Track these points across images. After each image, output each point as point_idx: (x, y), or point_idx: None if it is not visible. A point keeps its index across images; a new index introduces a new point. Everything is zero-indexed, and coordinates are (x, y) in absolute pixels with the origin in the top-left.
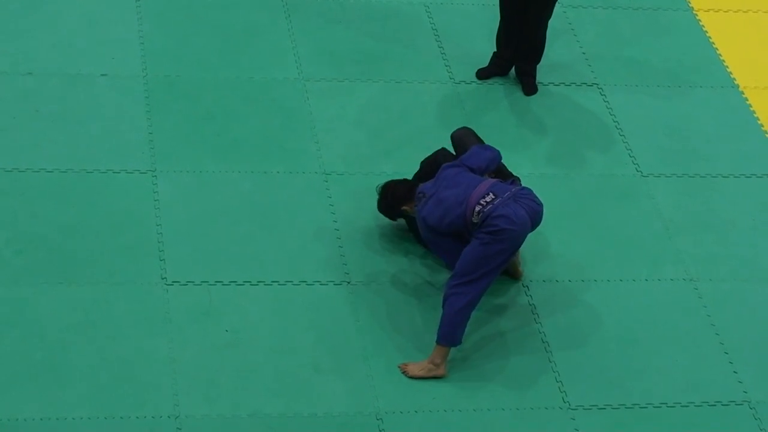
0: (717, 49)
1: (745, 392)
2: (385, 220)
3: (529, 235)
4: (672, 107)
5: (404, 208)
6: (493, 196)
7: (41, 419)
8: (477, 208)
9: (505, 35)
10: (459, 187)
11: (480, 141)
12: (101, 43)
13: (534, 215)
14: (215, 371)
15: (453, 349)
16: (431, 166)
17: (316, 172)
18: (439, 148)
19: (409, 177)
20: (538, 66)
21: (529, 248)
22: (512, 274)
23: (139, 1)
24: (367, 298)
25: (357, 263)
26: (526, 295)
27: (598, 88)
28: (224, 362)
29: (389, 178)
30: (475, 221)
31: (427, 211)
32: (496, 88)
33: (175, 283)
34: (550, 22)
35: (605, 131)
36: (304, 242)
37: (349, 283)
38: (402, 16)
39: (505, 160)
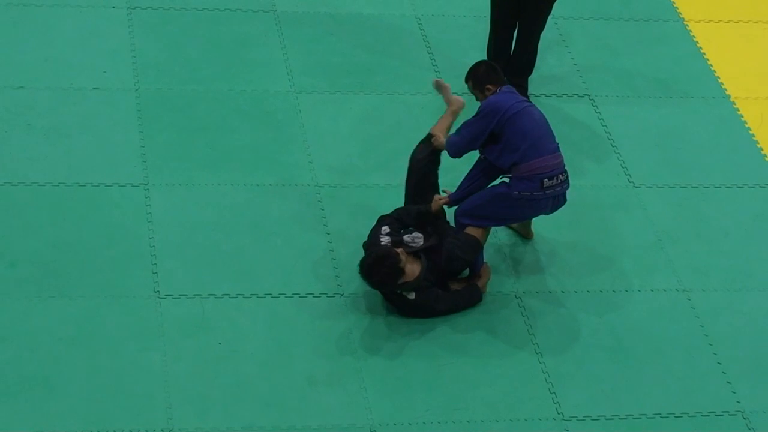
0: (708, 59)
1: (739, 402)
2: None
3: (522, 245)
4: (664, 118)
5: (488, 86)
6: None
7: None
8: (561, 177)
9: (496, 47)
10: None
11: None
12: (93, 56)
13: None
14: (209, 384)
15: (444, 360)
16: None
17: (308, 185)
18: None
19: (402, 189)
20: (529, 78)
21: (521, 259)
22: (524, 234)
23: (130, 15)
24: (360, 310)
25: (350, 275)
26: (519, 306)
27: (590, 100)
28: (218, 375)
29: (382, 190)
30: (547, 185)
31: (513, 96)
32: None
33: (168, 296)
34: (542, 34)
35: (597, 142)
36: (297, 254)
37: (342, 295)
38: (394, 29)
39: None
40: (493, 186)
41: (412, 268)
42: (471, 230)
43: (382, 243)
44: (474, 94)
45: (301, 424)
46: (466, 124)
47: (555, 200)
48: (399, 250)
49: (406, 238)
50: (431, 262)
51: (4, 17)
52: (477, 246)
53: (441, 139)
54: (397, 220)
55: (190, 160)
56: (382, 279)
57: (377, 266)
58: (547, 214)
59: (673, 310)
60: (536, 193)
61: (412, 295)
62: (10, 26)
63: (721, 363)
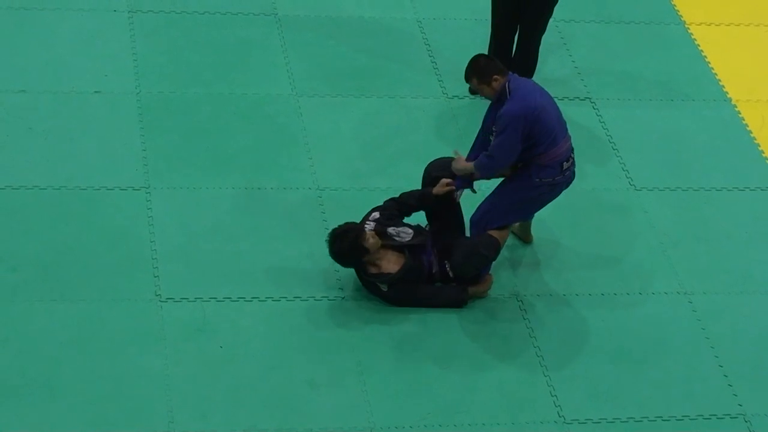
0: (709, 62)
1: (740, 405)
2: None
3: (523, 248)
4: (665, 121)
5: (495, 76)
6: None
7: None
8: (572, 155)
9: (497, 50)
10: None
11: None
12: (94, 60)
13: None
14: (210, 387)
15: (446, 363)
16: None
17: (309, 188)
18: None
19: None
20: None
21: (522, 262)
22: (524, 238)
23: (132, 18)
24: (361, 313)
25: (351, 278)
26: (521, 309)
27: (591, 102)
28: (219, 378)
29: (383, 193)
30: (565, 167)
31: (529, 90)
32: (488, 103)
33: (169, 300)
34: (543, 37)
35: (598, 145)
36: (298, 258)
37: (343, 298)
38: (395, 32)
39: None
40: (504, 184)
41: (390, 261)
42: (491, 231)
43: (366, 227)
44: (479, 90)
45: (302, 427)
46: (494, 142)
47: (570, 179)
48: (370, 231)
49: (390, 230)
50: (416, 261)
51: (6, 20)
52: (497, 245)
53: (463, 162)
54: (396, 206)
55: (192, 163)
56: (342, 251)
57: (339, 238)
58: (566, 189)
59: (674, 313)
60: (557, 178)
61: (384, 287)
62: (11, 30)
63: (723, 366)
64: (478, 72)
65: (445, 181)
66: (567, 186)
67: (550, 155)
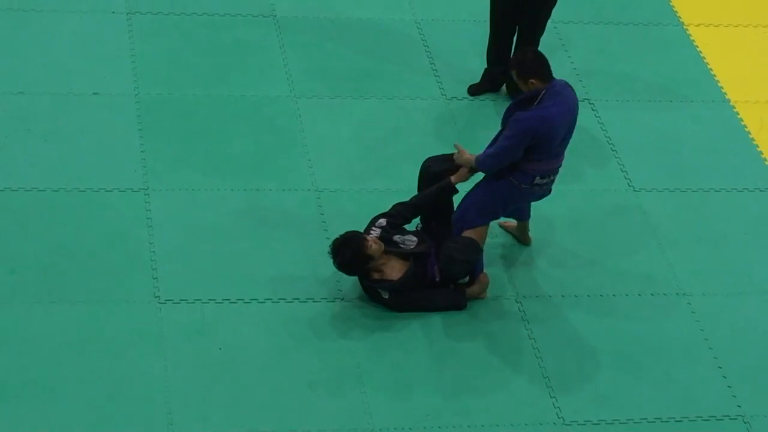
0: (708, 63)
1: (739, 406)
2: None
3: (522, 250)
4: (663, 122)
5: (532, 80)
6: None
7: None
8: (553, 176)
9: (495, 52)
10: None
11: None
12: (93, 61)
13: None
14: (209, 389)
15: (445, 365)
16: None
17: (308, 190)
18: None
19: (402, 194)
20: None
21: (521, 264)
22: (522, 239)
23: (130, 20)
24: (360, 315)
25: (350, 280)
26: (520, 311)
27: (590, 104)
28: (218, 380)
29: (381, 195)
30: (537, 181)
31: (555, 109)
32: (487, 104)
33: (168, 302)
34: (542, 38)
35: (597, 146)
36: (297, 259)
37: (342, 300)
38: (394, 34)
39: None
40: (484, 182)
41: (393, 268)
42: (468, 232)
43: (371, 234)
44: (516, 82)
45: (301, 429)
46: (501, 143)
47: (542, 193)
48: (370, 238)
49: (396, 238)
50: (419, 269)
51: (4, 22)
52: (476, 246)
53: (466, 155)
54: (406, 210)
55: (190, 164)
56: (345, 261)
57: (342, 248)
58: (534, 201)
59: (673, 314)
60: (524, 186)
61: (386, 294)
62: (9, 31)
63: (722, 367)
64: (520, 67)
65: (465, 169)
66: (540, 197)
67: (529, 166)
